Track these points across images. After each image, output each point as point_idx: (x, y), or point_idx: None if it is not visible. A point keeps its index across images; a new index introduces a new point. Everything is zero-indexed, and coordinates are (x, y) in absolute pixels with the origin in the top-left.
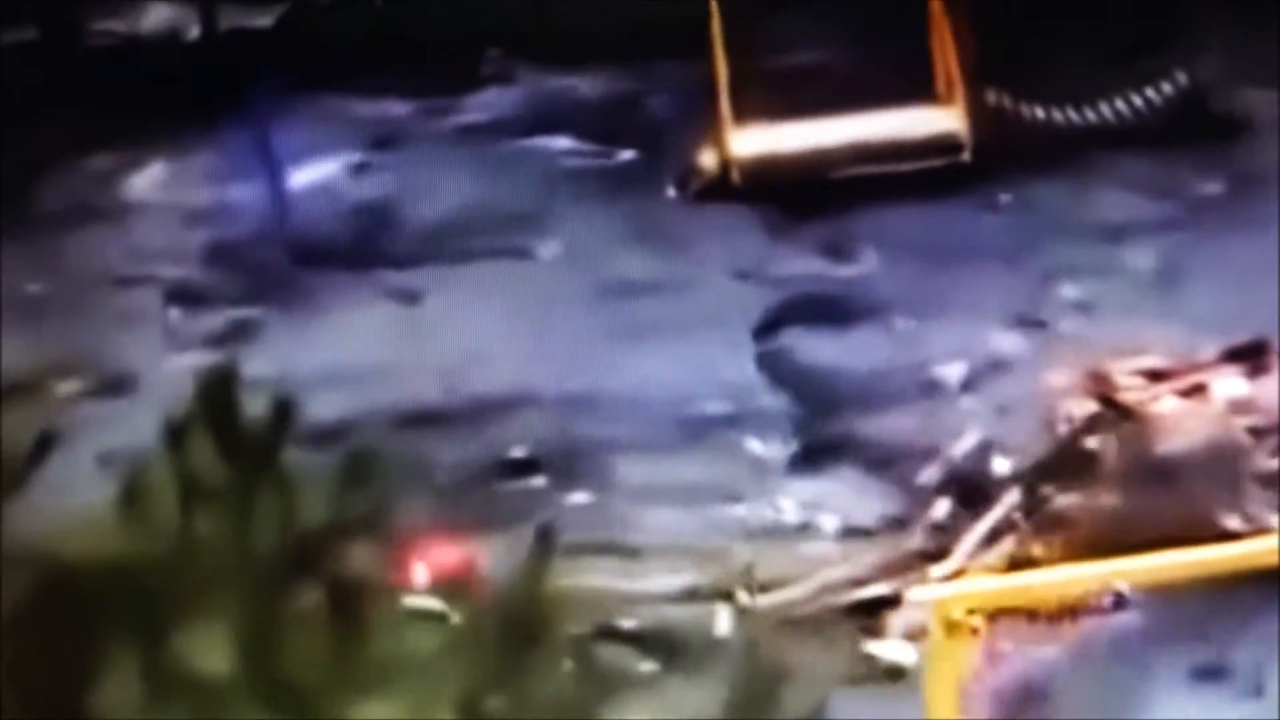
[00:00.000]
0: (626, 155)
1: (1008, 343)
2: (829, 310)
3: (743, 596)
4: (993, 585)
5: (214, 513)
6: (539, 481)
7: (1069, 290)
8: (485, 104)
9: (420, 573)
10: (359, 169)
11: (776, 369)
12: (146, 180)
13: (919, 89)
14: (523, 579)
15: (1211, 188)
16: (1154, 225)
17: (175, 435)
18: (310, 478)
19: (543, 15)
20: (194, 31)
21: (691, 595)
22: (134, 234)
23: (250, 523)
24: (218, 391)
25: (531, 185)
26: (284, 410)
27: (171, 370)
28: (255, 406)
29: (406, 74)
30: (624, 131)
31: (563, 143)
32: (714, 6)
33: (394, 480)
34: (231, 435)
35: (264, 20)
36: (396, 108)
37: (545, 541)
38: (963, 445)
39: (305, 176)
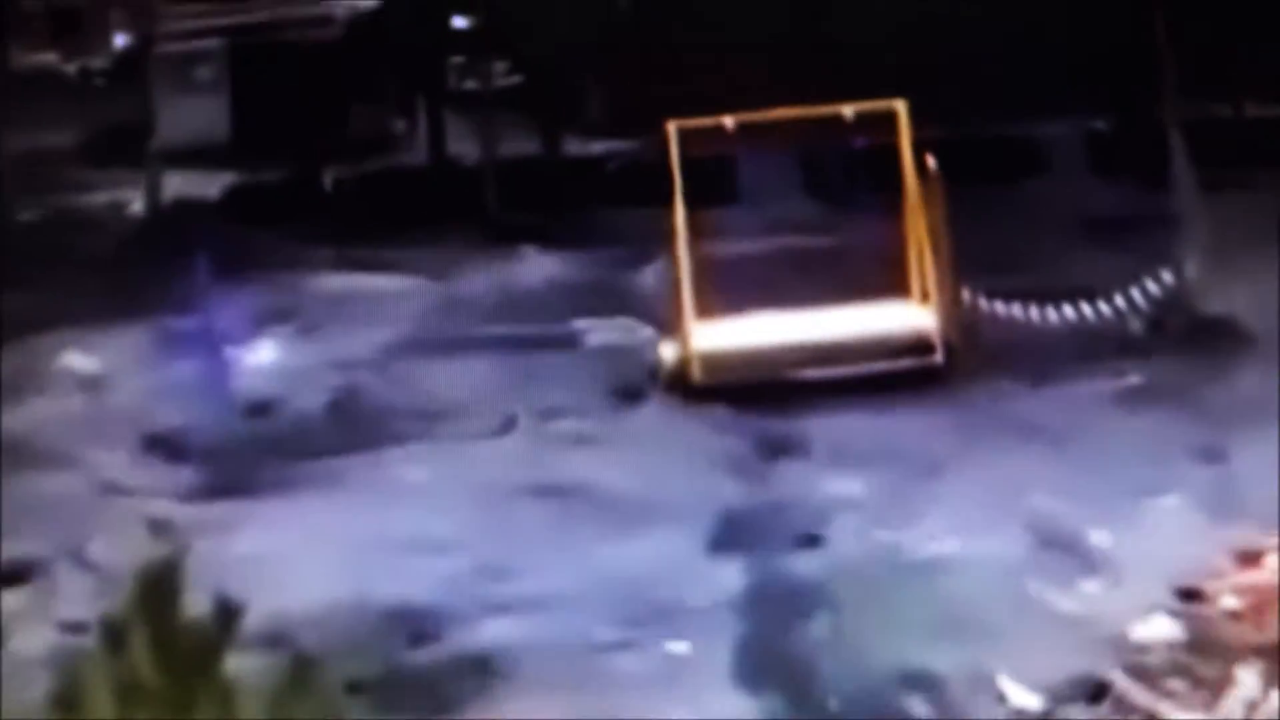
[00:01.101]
0: (596, 341)
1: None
2: (809, 521)
3: None
4: None
5: (151, 718)
6: (503, 681)
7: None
8: (451, 286)
9: None
10: (308, 350)
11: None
12: (87, 361)
13: (891, 284)
14: None
15: (1215, 389)
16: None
17: (113, 635)
18: (254, 684)
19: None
20: (136, 205)
21: None
22: (72, 416)
23: None
24: (158, 591)
25: (492, 370)
26: (228, 613)
27: (110, 562)
28: (198, 606)
29: (358, 253)
30: (592, 316)
31: (525, 328)
32: (677, 196)
33: (340, 688)
34: (171, 637)
35: (210, 191)
36: (347, 285)
37: None
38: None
39: (251, 357)
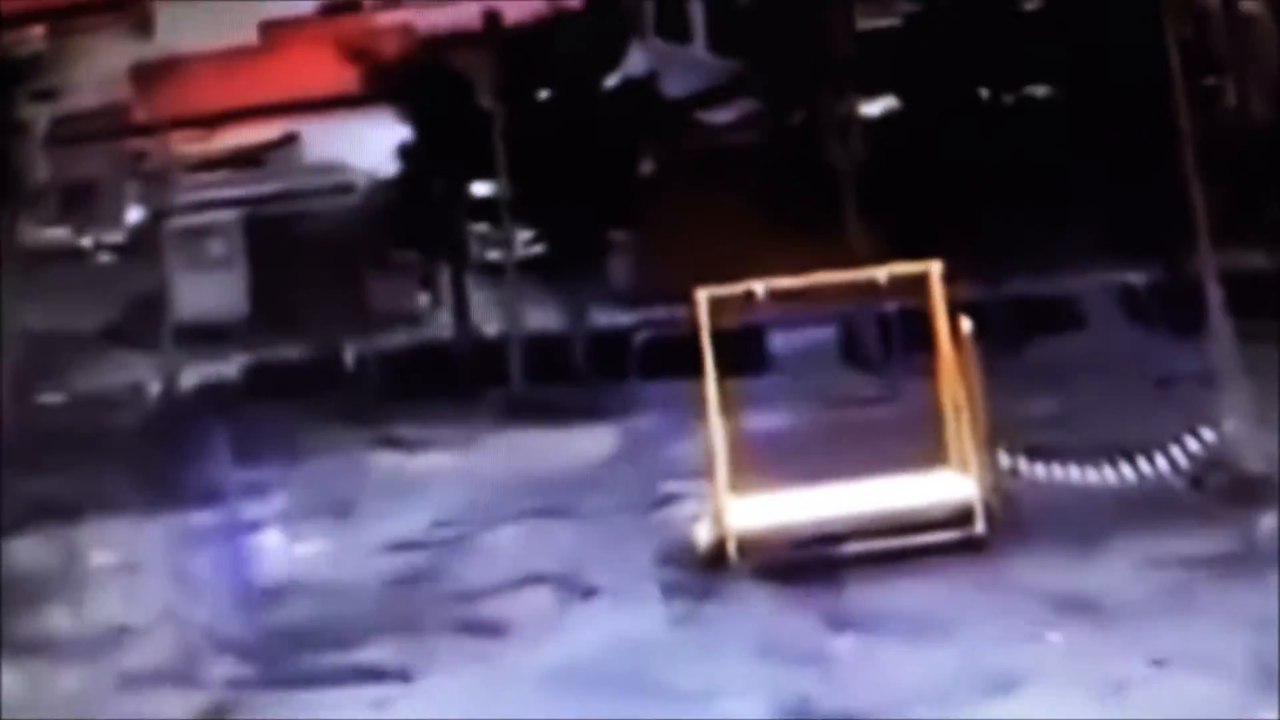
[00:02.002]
0: (642, 514)
1: None
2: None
3: None
4: None
5: None
6: None
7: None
8: (481, 462)
9: None
10: (345, 532)
11: None
12: (115, 554)
13: (929, 452)
14: None
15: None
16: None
17: None
18: None
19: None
20: (155, 385)
21: None
22: (96, 608)
23: None
24: None
25: (545, 545)
26: None
27: None
28: None
29: (382, 431)
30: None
31: (566, 501)
32: (708, 367)
33: None
34: None
35: (228, 370)
36: (376, 464)
37: None
38: None
39: (273, 546)
